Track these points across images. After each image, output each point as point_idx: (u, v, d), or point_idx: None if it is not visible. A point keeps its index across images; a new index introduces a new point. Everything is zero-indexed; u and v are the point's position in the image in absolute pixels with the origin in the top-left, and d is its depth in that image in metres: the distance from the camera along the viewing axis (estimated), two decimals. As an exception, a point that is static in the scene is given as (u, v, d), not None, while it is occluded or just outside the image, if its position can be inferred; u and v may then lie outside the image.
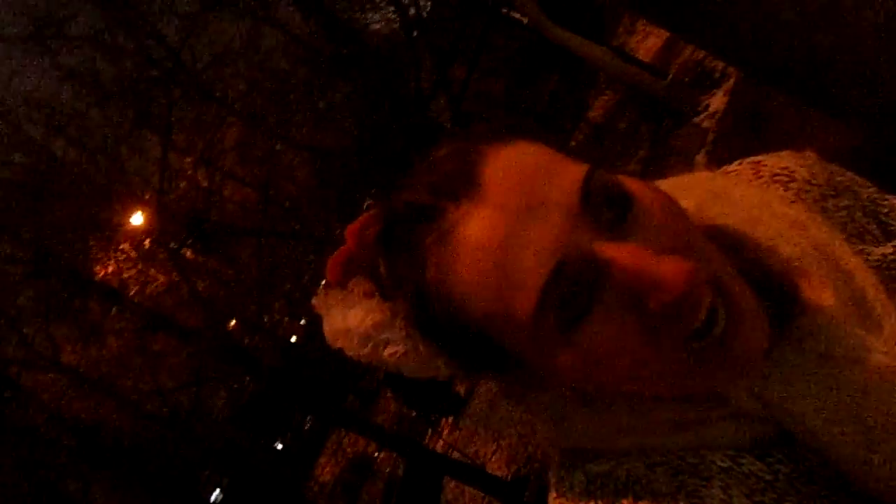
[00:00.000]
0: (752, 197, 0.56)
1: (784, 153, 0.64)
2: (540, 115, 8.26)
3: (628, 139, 6.05)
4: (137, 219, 8.78)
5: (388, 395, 9.70)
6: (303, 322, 11.95)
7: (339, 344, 0.49)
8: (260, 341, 10.85)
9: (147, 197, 8.84)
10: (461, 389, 8.27)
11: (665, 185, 0.56)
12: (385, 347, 0.48)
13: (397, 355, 0.47)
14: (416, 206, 0.45)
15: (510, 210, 0.42)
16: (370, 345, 0.48)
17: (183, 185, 9.32)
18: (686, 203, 0.52)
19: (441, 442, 7.49)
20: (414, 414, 9.10)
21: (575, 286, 0.41)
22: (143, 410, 8.22)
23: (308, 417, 11.40)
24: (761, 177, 0.61)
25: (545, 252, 0.41)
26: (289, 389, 7.59)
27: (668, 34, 5.62)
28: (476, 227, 0.42)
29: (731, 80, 4.75)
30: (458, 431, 7.85)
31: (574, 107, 7.73)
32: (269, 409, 10.10)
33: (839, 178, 0.62)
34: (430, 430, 8.08)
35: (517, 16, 6.27)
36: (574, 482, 0.50)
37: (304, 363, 10.87)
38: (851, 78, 1.55)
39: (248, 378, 8.12)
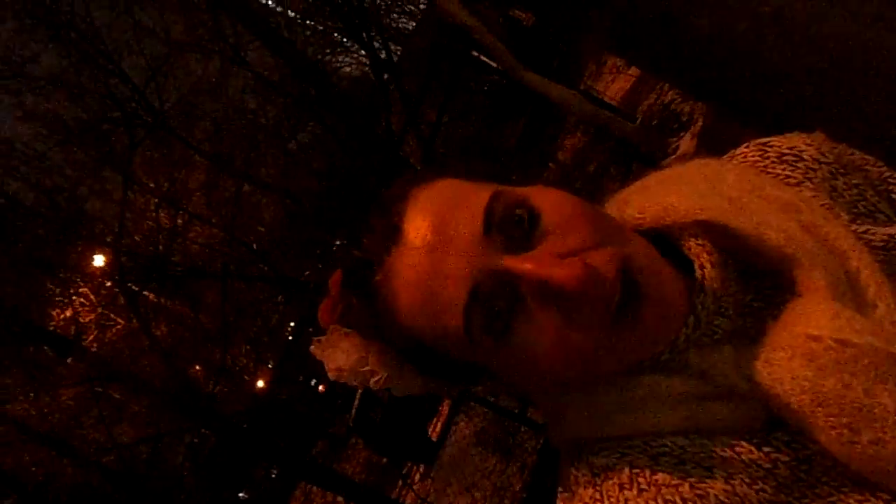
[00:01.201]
0: (745, 182, 0.57)
1: (792, 134, 0.64)
2: (510, 157, 8.31)
3: (598, 181, 6.09)
4: (98, 261, 8.50)
5: (359, 442, 9.42)
6: (269, 366, 11.64)
7: (341, 380, 0.57)
8: (225, 387, 10.49)
9: (109, 239, 8.59)
10: (433, 436, 8.05)
11: (656, 176, 0.61)
12: (371, 377, 0.55)
13: (381, 381, 0.55)
14: (362, 261, 0.52)
15: (428, 248, 0.48)
16: (360, 377, 0.56)
17: (146, 226, 9.10)
18: (669, 198, 0.56)
19: (412, 493, 7.24)
20: (385, 461, 8.83)
21: (495, 302, 0.47)
22: (97, 465, 7.79)
23: (274, 468, 10.98)
24: (768, 157, 0.62)
25: (460, 279, 0.47)
26: (252, 440, 7.28)
27: (635, 78, 5.71)
28: (404, 268, 0.49)
29: (699, 123, 4.82)
30: (430, 480, 7.60)
31: (544, 149, 7.81)
32: (233, 459, 9.71)
33: (849, 157, 0.62)
34: (399, 481, 7.82)
35: (487, 59, 6.35)
36: (579, 476, 0.52)
37: (272, 408, 10.52)
38: (824, 116, 1.52)
39: (208, 429, 7.78)
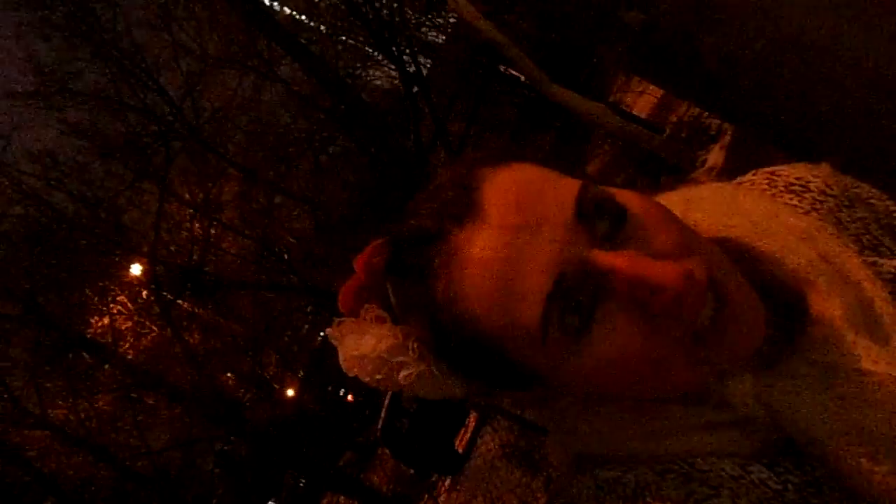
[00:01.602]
0: (762, 208, 0.57)
1: (799, 164, 0.64)
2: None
3: (626, 194, 6.05)
4: (135, 270, 8.74)
5: (386, 452, 9.45)
6: (300, 375, 11.76)
7: (354, 372, 0.50)
8: (255, 395, 10.64)
9: (145, 249, 8.82)
10: (460, 447, 8.03)
11: (675, 196, 0.60)
12: (399, 371, 0.49)
13: (412, 377, 0.49)
14: (422, 231, 0.47)
15: (510, 228, 0.44)
16: (384, 369, 0.49)
17: (181, 236, 9.33)
18: (695, 215, 0.55)
19: (438, 505, 7.24)
20: (411, 472, 8.84)
21: (577, 295, 0.43)
22: (131, 470, 7.96)
23: (301, 477, 11.07)
24: (776, 186, 0.62)
25: (546, 265, 0.43)
26: (281, 448, 7.37)
27: (662, 90, 5.67)
28: (480, 246, 0.44)
29: (728, 136, 4.77)
30: (455, 493, 7.58)
31: (571, 162, 7.78)
32: (262, 468, 9.82)
33: (855, 190, 0.62)
34: (425, 493, 7.82)
35: (514, 73, 6.38)
36: (583, 488, 0.51)
37: (300, 417, 10.62)
38: (841, 135, 1.51)
39: (238, 437, 7.90)
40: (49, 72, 8.09)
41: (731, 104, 1.74)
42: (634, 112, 6.18)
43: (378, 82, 9.95)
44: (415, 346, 0.49)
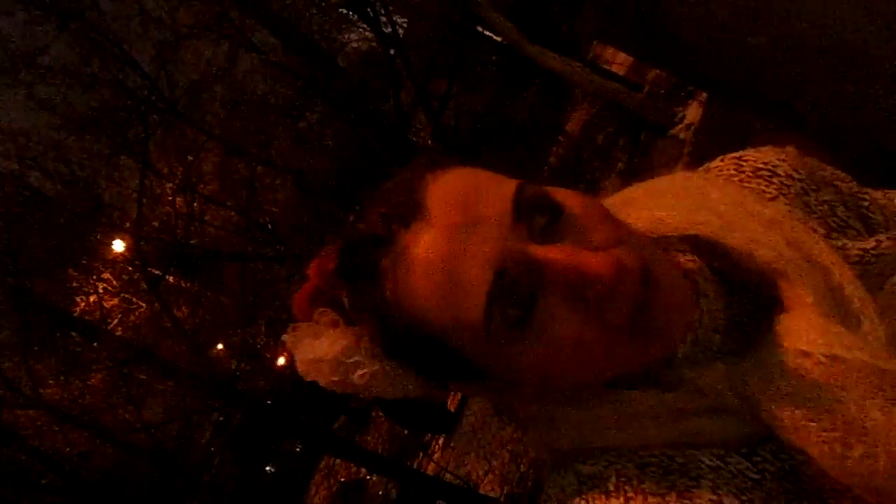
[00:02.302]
0: (729, 197, 0.57)
1: (765, 148, 0.65)
2: (519, 130, 8.28)
3: (607, 152, 6.08)
4: (118, 247, 8.68)
5: (379, 414, 9.62)
6: (290, 344, 11.83)
7: (311, 376, 0.52)
8: (247, 365, 10.72)
9: (127, 225, 8.75)
10: (452, 407, 8.21)
11: (642, 188, 0.62)
12: (355, 371, 0.51)
13: (367, 377, 0.51)
14: (370, 235, 0.49)
15: (452, 227, 0.46)
16: (340, 370, 0.51)
17: (163, 211, 9.24)
18: (659, 213, 0.56)
19: (432, 464, 7.42)
20: (406, 433, 9.02)
21: (517, 289, 0.46)
22: (128, 444, 8.06)
23: (297, 442, 11.27)
24: (743, 171, 0.63)
25: (486, 261, 0.45)
26: (276, 416, 7.49)
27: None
28: (424, 245, 0.46)
29: (705, 92, 4.79)
30: (449, 451, 7.78)
31: (552, 121, 7.78)
32: (258, 435, 9.98)
33: (820, 173, 0.63)
34: (420, 452, 8.01)
35: (492, 34, 6.31)
36: (565, 484, 0.52)
37: (293, 385, 10.75)
38: (808, 100, 1.55)
39: (233, 407, 8.01)
40: (14, 47, 7.86)
41: (700, 71, 1.78)
42: (613, 70, 6.16)
43: (354, 45, 9.78)
44: (368, 346, 0.50)
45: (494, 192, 0.48)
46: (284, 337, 0.53)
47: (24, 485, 7.80)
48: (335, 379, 0.51)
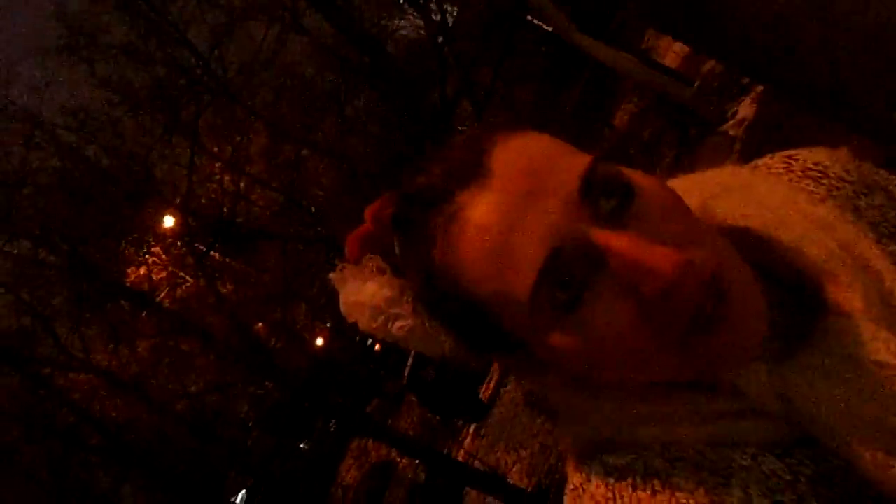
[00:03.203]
0: (779, 194, 0.56)
1: (818, 148, 0.63)
2: (566, 121, 8.19)
3: (654, 146, 5.97)
4: (168, 222, 8.98)
5: (413, 399, 9.74)
6: (328, 325, 12.07)
7: (352, 317, 0.51)
8: (285, 344, 10.98)
9: (177, 201, 9.03)
10: (484, 396, 8.25)
11: (690, 179, 0.59)
12: (394, 322, 0.50)
13: (405, 329, 0.50)
14: (428, 189, 0.47)
15: (513, 195, 0.43)
16: (381, 318, 0.50)
17: (211, 189, 9.50)
18: (712, 201, 0.54)
19: (462, 451, 7.48)
20: (437, 419, 9.11)
21: (571, 270, 0.43)
22: (171, 412, 8.37)
23: (332, 421, 11.49)
24: (793, 171, 0.60)
25: (543, 236, 0.43)
26: (312, 394, 7.65)
27: (695, 41, 5.52)
28: (480, 209, 0.44)
29: (759, 88, 4.65)
30: (479, 439, 7.83)
31: (600, 113, 7.67)
32: (294, 412, 10.21)
33: (873, 177, 0.61)
34: (450, 439, 8.07)
35: (541, 23, 6.24)
36: (591, 474, 0.50)
37: (329, 366, 10.95)
38: (872, 95, 1.51)
39: (271, 382, 8.22)
40: (76, 26, 8.16)
41: (754, 64, 1.74)
42: (665, 63, 6.04)
43: (403, 32, 9.82)
44: (411, 300, 0.49)
45: (565, 164, 0.44)
46: (331, 275, 0.52)
47: (72, 445, 8.19)
48: (375, 325, 0.51)
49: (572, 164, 0.44)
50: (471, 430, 8.34)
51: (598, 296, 0.43)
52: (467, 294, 0.46)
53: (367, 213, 0.51)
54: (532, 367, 0.51)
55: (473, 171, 0.45)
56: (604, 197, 0.44)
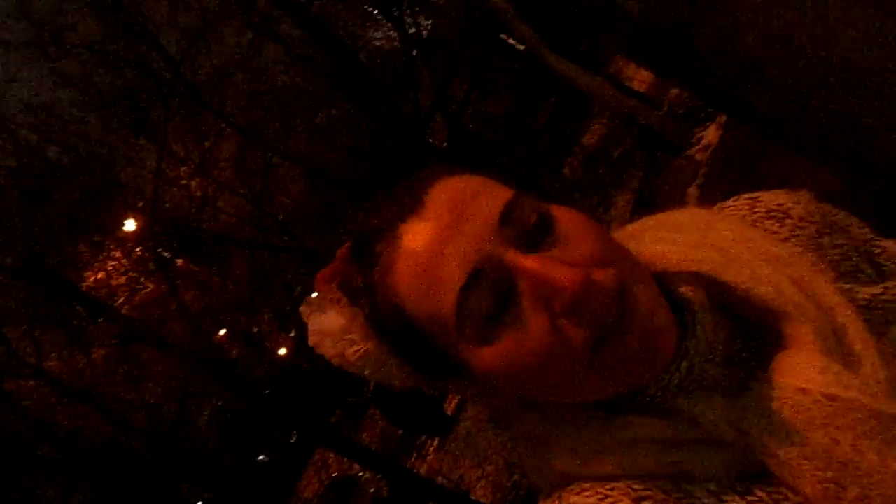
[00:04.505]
0: (736, 234, 0.58)
1: (780, 191, 0.66)
2: (536, 138, 8.29)
3: (621, 168, 6.08)
4: (130, 226, 8.75)
5: (376, 412, 9.64)
6: (292, 335, 11.90)
7: (319, 348, 0.55)
8: (248, 353, 10.78)
9: (140, 205, 8.82)
10: (449, 410, 8.22)
11: (653, 220, 0.63)
12: (350, 347, 0.54)
13: (360, 354, 0.54)
14: (378, 223, 0.53)
15: (442, 223, 0.49)
16: (339, 345, 0.54)
17: (177, 193, 9.31)
18: (663, 247, 0.57)
19: (426, 465, 7.43)
20: (401, 433, 9.04)
21: (491, 290, 0.47)
22: (126, 422, 8.12)
23: (293, 432, 11.30)
24: (756, 211, 0.64)
25: (465, 259, 0.48)
26: (274, 404, 7.52)
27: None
28: (413, 236, 0.49)
29: (724, 115, 4.78)
30: (444, 454, 7.79)
31: (569, 133, 7.78)
32: (255, 422, 10.02)
33: (834, 217, 0.64)
34: (414, 453, 8.02)
35: (514, 42, 6.32)
36: None
37: (292, 376, 10.78)
38: (833, 127, 1.56)
39: (232, 392, 8.05)
40: (43, 22, 7.95)
41: (721, 94, 1.79)
42: (633, 87, 6.16)
43: (378, 43, 9.82)
44: (362, 325, 0.53)
45: (489, 197, 0.50)
46: (301, 307, 0.56)
47: (20, 454, 7.87)
48: (334, 353, 0.54)
49: (496, 196, 0.50)
50: (435, 445, 8.30)
51: (517, 313, 0.48)
52: (405, 314, 0.51)
53: (337, 252, 0.56)
54: (476, 392, 0.55)
55: (412, 206, 0.51)
56: (523, 226, 0.49)
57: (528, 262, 0.47)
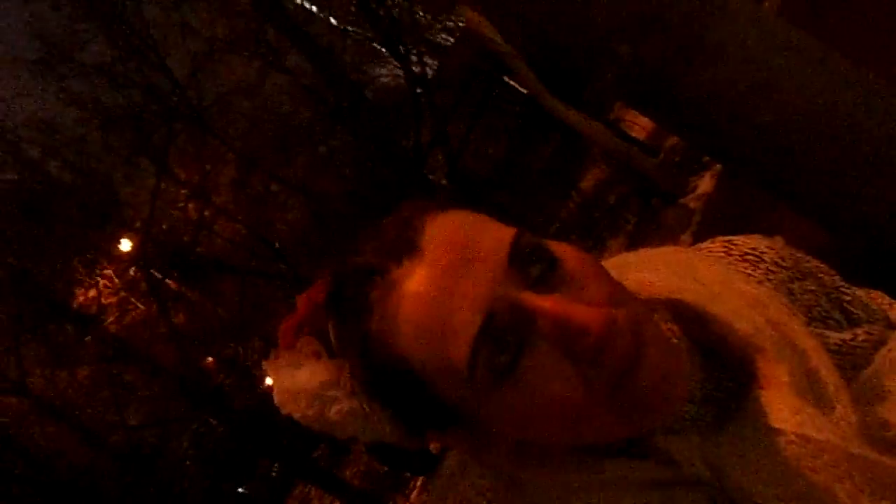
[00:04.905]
0: (716, 273, 0.59)
1: (754, 236, 0.67)
2: (534, 180, 8.38)
3: (617, 213, 6.13)
4: (125, 245, 8.74)
5: (360, 448, 9.48)
6: (280, 364, 11.75)
7: (287, 408, 0.51)
8: (234, 381, 10.65)
9: (137, 225, 8.82)
10: (434, 448, 8.08)
11: (634, 254, 0.64)
12: (331, 406, 0.49)
13: (343, 413, 0.49)
14: (364, 266, 0.48)
15: (445, 267, 0.45)
16: (316, 404, 0.50)
17: (174, 216, 9.33)
18: (648, 275, 0.57)
19: None
20: (384, 470, 8.87)
21: (505, 335, 0.44)
22: (105, 444, 7.96)
23: (275, 465, 11.09)
24: (732, 254, 0.64)
25: (477, 303, 0.44)
26: (257, 435, 7.39)
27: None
28: (415, 282, 0.45)
29: (719, 165, 4.85)
30: (426, 493, 7.63)
31: (567, 176, 7.87)
32: (236, 452, 9.83)
33: (806, 264, 0.65)
34: (397, 491, 7.85)
35: (516, 84, 6.45)
36: None
37: (276, 407, 10.60)
38: (825, 185, 1.58)
39: (216, 420, 7.92)
40: (55, 41, 8.09)
41: (711, 142, 1.82)
42: (633, 134, 6.26)
43: (383, 80, 9.98)
44: (348, 381, 0.49)
45: (492, 236, 0.47)
46: (263, 363, 0.52)
47: (-5, 473, 7.69)
48: (310, 413, 0.50)
49: (499, 235, 0.47)
50: (419, 483, 8.13)
51: (534, 357, 0.45)
52: (404, 364, 0.47)
53: (300, 300, 0.52)
54: (473, 442, 0.51)
55: (406, 248, 0.47)
56: (530, 264, 0.46)
57: (549, 304, 0.45)
